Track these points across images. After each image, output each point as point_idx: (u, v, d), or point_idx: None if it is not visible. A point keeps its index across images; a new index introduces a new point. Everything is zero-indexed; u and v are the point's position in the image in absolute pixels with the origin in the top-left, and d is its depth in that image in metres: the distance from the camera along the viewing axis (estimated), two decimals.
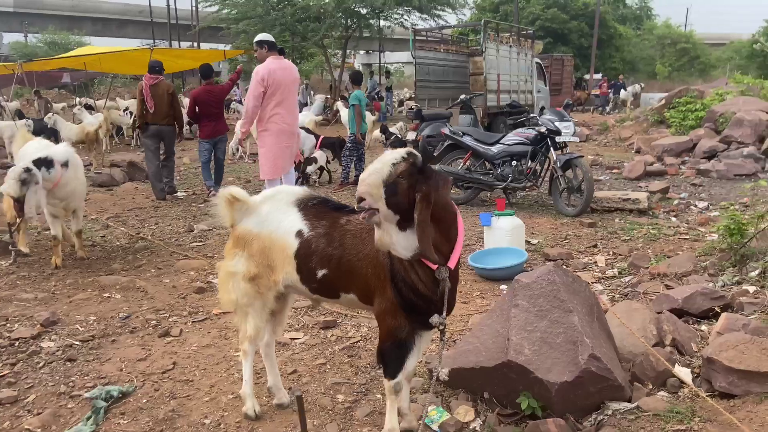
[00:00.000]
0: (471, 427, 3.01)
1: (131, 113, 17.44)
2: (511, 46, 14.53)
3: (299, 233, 2.87)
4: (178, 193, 9.51)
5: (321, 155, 9.40)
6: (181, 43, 35.96)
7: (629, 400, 2.88)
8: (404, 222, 2.46)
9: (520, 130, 7.81)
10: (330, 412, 3.22)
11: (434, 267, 2.51)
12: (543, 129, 7.48)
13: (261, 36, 6.58)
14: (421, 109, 11.88)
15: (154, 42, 31.86)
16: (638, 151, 12.94)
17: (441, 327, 2.66)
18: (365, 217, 2.46)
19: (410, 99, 24.47)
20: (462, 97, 11.71)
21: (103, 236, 6.98)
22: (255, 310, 3.02)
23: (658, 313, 3.61)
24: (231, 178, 10.83)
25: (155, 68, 8.74)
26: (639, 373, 3.03)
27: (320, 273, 2.83)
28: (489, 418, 3.04)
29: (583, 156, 7.70)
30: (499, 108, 13.87)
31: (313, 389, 3.46)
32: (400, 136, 14.96)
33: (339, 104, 16.04)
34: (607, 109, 26.57)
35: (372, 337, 4.15)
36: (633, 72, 39.77)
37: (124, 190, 9.96)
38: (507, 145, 7.67)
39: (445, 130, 8.08)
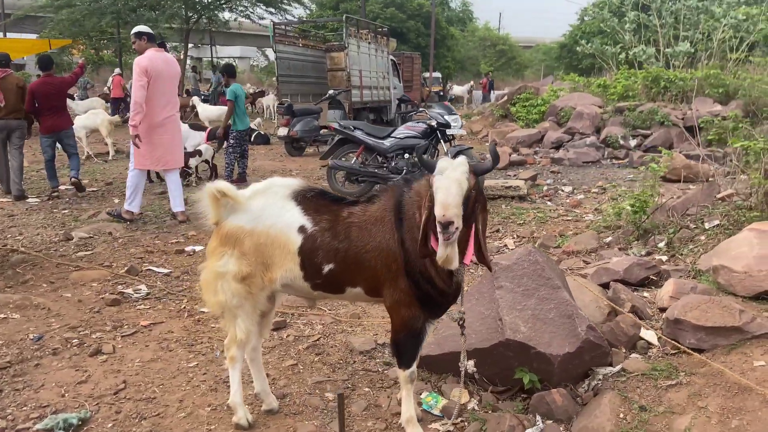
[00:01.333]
0: (469, 408, 3.09)
1: None
2: (369, 43, 14.82)
3: (302, 228, 2.74)
4: (29, 199, 8.45)
5: (207, 149, 8.87)
6: None
7: (611, 365, 3.15)
8: None
9: (410, 123, 8.05)
10: (324, 411, 3.12)
11: None
12: (433, 122, 7.78)
13: (140, 27, 6.72)
14: (291, 105, 11.69)
15: None
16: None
17: (461, 322, 2.72)
18: (449, 238, 2.33)
19: (256, 94, 23.82)
20: (331, 92, 11.75)
21: None
22: (245, 312, 2.83)
23: (601, 285, 3.97)
24: (87, 180, 9.80)
25: (2, 61, 7.86)
26: (611, 339, 3.32)
27: (326, 268, 2.73)
28: (485, 397, 3.14)
29: (472, 147, 8.14)
30: (363, 103, 14.11)
31: (296, 391, 3.32)
32: (262, 133, 14.60)
33: (195, 99, 15.16)
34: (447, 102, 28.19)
35: (330, 334, 4.07)
36: (462, 71, 42.56)
37: None
38: (399, 138, 7.85)
39: (335, 125, 8.06)
